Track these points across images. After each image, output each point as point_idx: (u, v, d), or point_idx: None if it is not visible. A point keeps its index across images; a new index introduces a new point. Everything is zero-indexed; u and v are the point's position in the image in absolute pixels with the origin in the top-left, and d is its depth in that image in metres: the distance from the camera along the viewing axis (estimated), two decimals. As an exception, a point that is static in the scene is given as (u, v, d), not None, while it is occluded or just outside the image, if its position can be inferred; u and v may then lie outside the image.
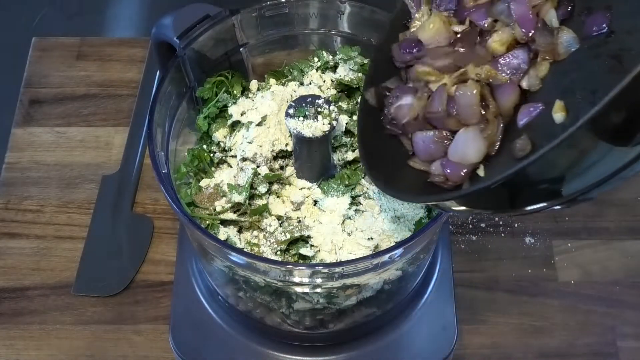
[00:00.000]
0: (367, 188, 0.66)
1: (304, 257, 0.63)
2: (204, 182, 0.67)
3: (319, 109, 0.62)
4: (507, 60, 0.50)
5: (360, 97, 0.62)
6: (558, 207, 0.49)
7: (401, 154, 0.56)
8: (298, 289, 0.63)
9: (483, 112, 0.49)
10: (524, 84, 0.49)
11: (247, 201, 0.65)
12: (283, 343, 0.74)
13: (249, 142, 0.66)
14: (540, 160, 0.44)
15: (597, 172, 0.46)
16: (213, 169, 0.69)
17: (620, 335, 0.80)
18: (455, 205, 0.51)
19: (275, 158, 0.67)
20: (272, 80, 0.73)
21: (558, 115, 0.44)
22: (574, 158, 0.46)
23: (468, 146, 0.49)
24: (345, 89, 0.71)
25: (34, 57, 1.00)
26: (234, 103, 0.70)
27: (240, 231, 0.65)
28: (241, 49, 0.72)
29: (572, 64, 0.46)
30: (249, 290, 0.67)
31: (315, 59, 0.73)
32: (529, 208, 0.48)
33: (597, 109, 0.40)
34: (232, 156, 0.69)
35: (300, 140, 0.62)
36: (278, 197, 0.66)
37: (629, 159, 0.44)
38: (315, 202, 0.65)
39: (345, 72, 0.71)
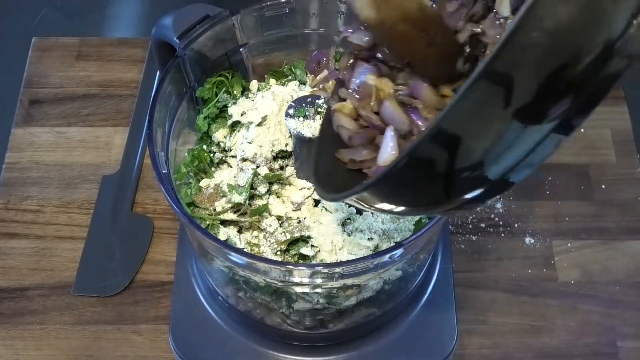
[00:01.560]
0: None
1: (304, 257, 0.63)
2: (204, 183, 0.67)
3: (318, 109, 0.62)
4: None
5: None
6: (489, 199, 0.49)
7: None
8: (298, 289, 0.63)
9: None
10: None
11: (247, 201, 0.65)
12: (283, 343, 0.74)
13: (249, 143, 0.66)
14: (457, 141, 0.44)
15: (514, 153, 0.46)
16: (213, 169, 0.69)
17: (620, 335, 0.80)
18: (379, 202, 0.51)
19: (275, 158, 0.67)
20: (272, 80, 0.73)
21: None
22: (491, 140, 0.45)
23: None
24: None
25: (34, 57, 1.00)
26: (234, 103, 0.70)
27: (240, 231, 0.65)
28: (241, 49, 0.72)
29: None
30: (249, 290, 0.67)
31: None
32: (466, 196, 0.48)
33: (489, 59, 0.40)
34: (232, 156, 0.69)
35: (300, 140, 0.62)
36: (278, 197, 0.66)
37: (540, 137, 0.45)
38: (316, 202, 0.65)
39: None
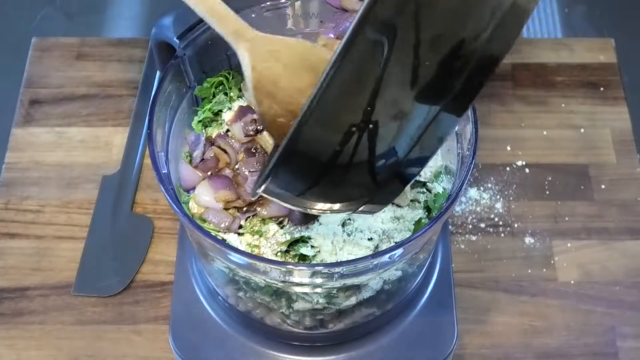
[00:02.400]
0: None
1: (304, 258, 0.63)
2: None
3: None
4: None
5: None
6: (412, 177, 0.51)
7: None
8: (298, 289, 0.63)
9: None
10: None
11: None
12: (283, 343, 0.74)
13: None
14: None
15: (407, 132, 0.47)
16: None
17: (620, 335, 0.80)
18: (309, 200, 0.51)
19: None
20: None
21: None
22: (399, 125, 0.46)
23: None
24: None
25: (34, 57, 1.00)
26: (229, 108, 0.70)
27: (240, 234, 0.65)
28: (241, 49, 0.71)
29: None
30: (248, 290, 0.67)
31: None
32: (385, 175, 0.49)
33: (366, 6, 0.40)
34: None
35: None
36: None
37: (432, 115, 0.46)
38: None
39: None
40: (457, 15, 0.43)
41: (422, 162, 0.51)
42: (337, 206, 0.52)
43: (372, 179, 0.49)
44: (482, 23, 0.44)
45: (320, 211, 0.53)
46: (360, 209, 0.53)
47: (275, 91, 0.56)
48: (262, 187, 0.50)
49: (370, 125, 0.45)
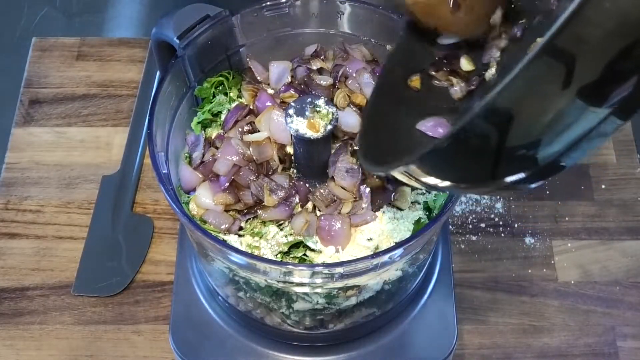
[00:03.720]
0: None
1: (304, 259, 0.63)
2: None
3: (317, 109, 0.62)
4: None
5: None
6: (535, 183, 0.48)
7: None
8: (298, 290, 0.63)
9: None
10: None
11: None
12: (283, 343, 0.74)
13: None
14: (515, 114, 0.43)
15: (570, 135, 0.45)
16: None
17: (620, 335, 0.80)
18: (425, 175, 0.50)
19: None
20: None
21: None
22: (547, 121, 0.44)
23: None
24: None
25: (34, 57, 1.00)
26: (229, 110, 0.70)
27: (241, 236, 0.65)
28: (241, 49, 0.72)
29: None
30: (249, 290, 0.67)
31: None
32: (508, 179, 0.47)
33: (554, 30, 0.39)
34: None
35: (300, 140, 0.62)
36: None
37: (598, 120, 0.44)
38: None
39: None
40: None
41: (562, 168, 0.49)
42: (461, 186, 0.51)
43: (507, 174, 0.47)
44: None
45: (435, 188, 0.52)
46: (473, 191, 0.52)
47: None
48: (405, 167, 0.49)
49: (539, 130, 0.44)
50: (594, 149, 0.47)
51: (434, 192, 0.67)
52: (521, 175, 0.47)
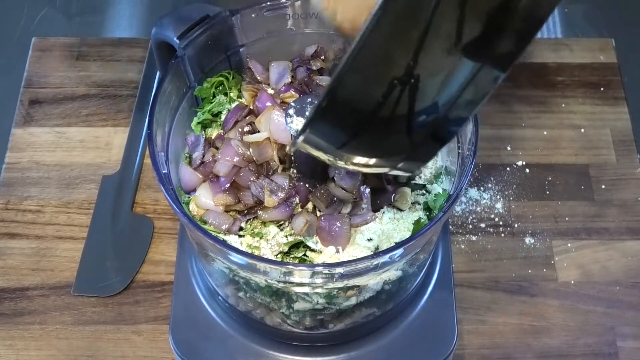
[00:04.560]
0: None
1: (304, 259, 0.63)
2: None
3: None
4: None
5: None
6: (450, 135, 0.50)
7: None
8: (298, 290, 0.63)
9: None
10: None
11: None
12: (283, 343, 0.74)
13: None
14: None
15: (451, 87, 0.46)
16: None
17: (620, 335, 0.80)
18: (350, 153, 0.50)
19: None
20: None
21: None
22: (441, 81, 0.46)
23: None
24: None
25: (33, 57, 1.00)
26: (229, 110, 0.70)
27: (241, 236, 0.65)
28: (241, 49, 0.72)
29: None
30: (249, 290, 0.67)
31: None
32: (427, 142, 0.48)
33: None
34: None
35: (300, 140, 0.62)
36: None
37: (474, 69, 0.45)
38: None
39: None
40: None
41: (459, 122, 0.49)
42: (373, 161, 0.52)
43: (410, 135, 0.48)
44: None
45: (358, 166, 0.52)
46: (397, 166, 0.52)
47: None
48: (303, 137, 0.49)
49: (412, 80, 0.45)
50: (480, 102, 0.47)
51: (434, 193, 0.67)
52: (431, 127, 0.48)
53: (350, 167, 0.53)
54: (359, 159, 0.51)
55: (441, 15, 0.42)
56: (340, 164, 0.52)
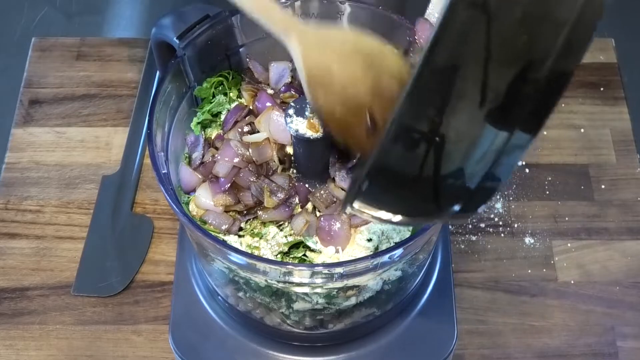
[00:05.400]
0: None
1: (303, 259, 0.63)
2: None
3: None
4: None
5: None
6: (478, 208, 0.49)
7: None
8: (298, 290, 0.63)
9: None
10: None
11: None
12: (283, 343, 0.74)
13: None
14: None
15: (486, 157, 0.46)
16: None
17: (620, 335, 0.80)
18: (375, 208, 0.50)
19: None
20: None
21: None
22: (466, 146, 0.46)
23: None
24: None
25: (33, 57, 1.00)
26: (229, 110, 0.70)
27: (240, 236, 0.65)
28: (241, 49, 0.72)
29: None
30: (248, 290, 0.67)
31: None
32: (454, 208, 0.48)
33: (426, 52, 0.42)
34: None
35: (300, 141, 0.62)
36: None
37: (506, 137, 0.46)
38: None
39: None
40: (524, 34, 0.43)
41: (491, 191, 0.50)
42: (419, 220, 0.52)
43: (441, 197, 0.49)
44: (549, 41, 0.44)
45: (400, 223, 0.53)
46: (450, 219, 0.53)
47: (330, 81, 0.55)
48: (352, 207, 0.50)
49: (451, 143, 0.45)
50: (515, 164, 0.48)
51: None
52: (460, 203, 0.48)
53: (396, 225, 0.53)
54: (403, 219, 0.50)
55: (466, 78, 0.43)
56: (386, 224, 0.53)
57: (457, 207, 0.48)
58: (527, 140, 0.46)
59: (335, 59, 0.56)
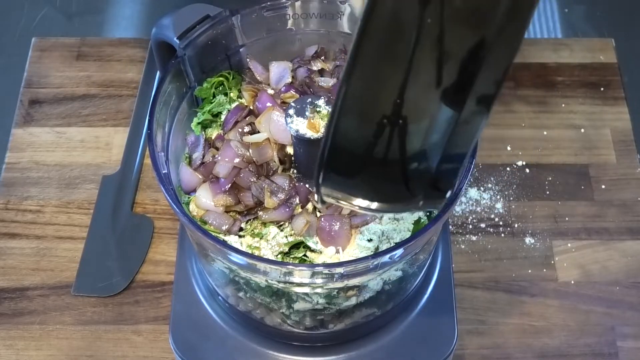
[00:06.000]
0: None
1: (304, 259, 0.63)
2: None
3: (318, 109, 0.62)
4: None
5: None
6: (448, 189, 0.49)
7: None
8: (298, 290, 0.63)
9: None
10: None
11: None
12: (283, 343, 0.74)
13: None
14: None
15: (443, 138, 0.46)
16: (213, 169, 0.69)
17: (620, 335, 0.80)
18: (351, 195, 0.50)
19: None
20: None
21: None
22: (427, 126, 0.46)
23: None
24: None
25: (34, 57, 1.00)
26: (229, 110, 0.70)
27: (241, 237, 0.65)
28: (241, 49, 0.72)
29: None
30: (249, 290, 0.67)
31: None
32: (427, 192, 0.48)
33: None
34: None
35: (300, 141, 0.62)
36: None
37: (456, 116, 0.46)
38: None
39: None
40: (473, 14, 0.43)
41: (453, 171, 0.50)
42: (390, 206, 0.52)
43: (405, 181, 0.49)
44: (494, 17, 0.43)
45: (378, 212, 0.53)
46: (420, 208, 0.53)
47: None
48: (321, 193, 0.49)
49: (401, 120, 0.45)
50: (471, 142, 0.47)
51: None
52: (427, 185, 0.48)
53: (371, 212, 0.53)
54: (375, 205, 0.51)
55: (421, 52, 0.43)
56: (363, 211, 0.52)
57: (426, 190, 0.48)
58: (481, 117, 0.47)
59: None
